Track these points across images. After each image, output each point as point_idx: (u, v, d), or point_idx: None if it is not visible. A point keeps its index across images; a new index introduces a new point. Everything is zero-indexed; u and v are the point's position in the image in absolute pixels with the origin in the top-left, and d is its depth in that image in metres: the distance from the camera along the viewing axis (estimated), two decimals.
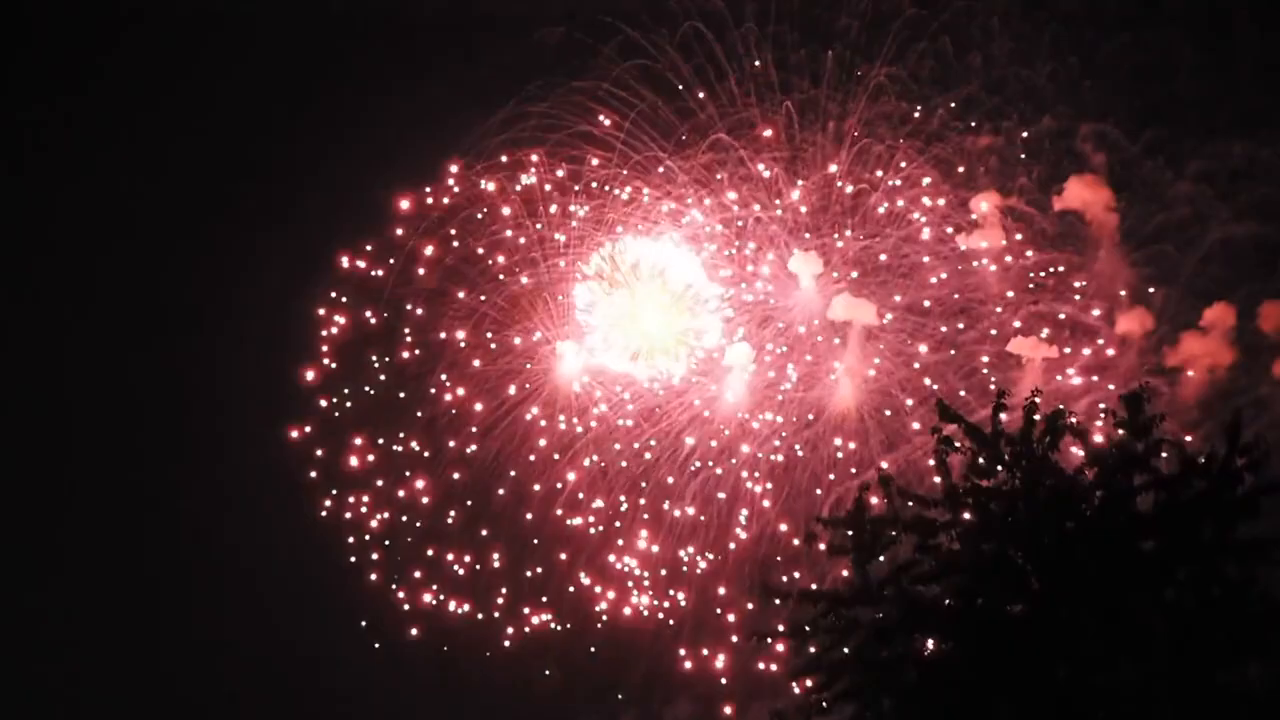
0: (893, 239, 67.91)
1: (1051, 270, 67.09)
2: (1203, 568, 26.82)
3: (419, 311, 70.24)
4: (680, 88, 68.16)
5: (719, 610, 66.76)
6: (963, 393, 63.37)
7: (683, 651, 67.36)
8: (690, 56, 67.57)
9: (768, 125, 68.48)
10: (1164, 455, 28.01)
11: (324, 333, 70.65)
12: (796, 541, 61.53)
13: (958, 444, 28.42)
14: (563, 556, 68.41)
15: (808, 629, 27.86)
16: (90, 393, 74.89)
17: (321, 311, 70.81)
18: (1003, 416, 28.84)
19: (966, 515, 27.77)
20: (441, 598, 69.64)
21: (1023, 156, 68.10)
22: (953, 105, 68.38)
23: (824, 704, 27.47)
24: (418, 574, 69.74)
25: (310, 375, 70.92)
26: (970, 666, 26.58)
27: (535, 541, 69.09)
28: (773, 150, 68.36)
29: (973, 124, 68.47)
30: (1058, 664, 26.47)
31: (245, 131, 75.66)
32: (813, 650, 28.02)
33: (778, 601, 29.75)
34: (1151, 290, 65.89)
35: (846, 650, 27.64)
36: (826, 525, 28.70)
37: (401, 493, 70.32)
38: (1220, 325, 64.24)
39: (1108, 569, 26.68)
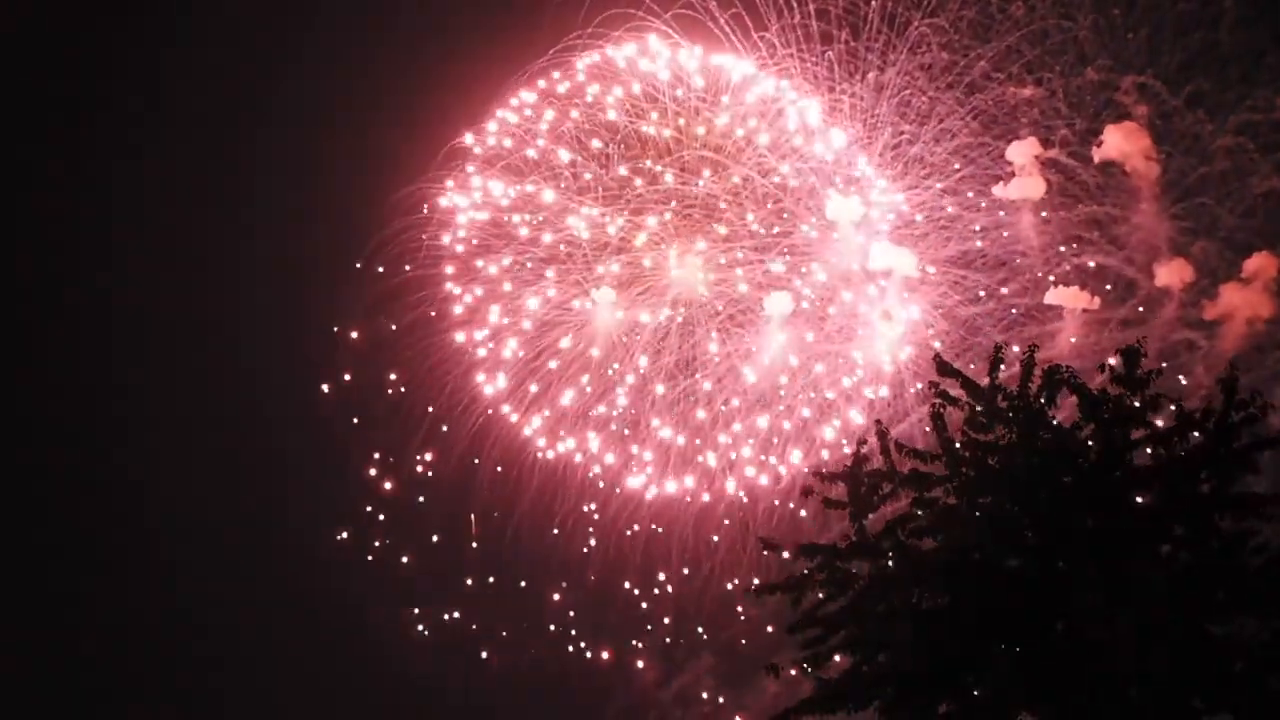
0: (933, 190, 67.64)
1: (1091, 221, 66.73)
2: (1199, 522, 26.91)
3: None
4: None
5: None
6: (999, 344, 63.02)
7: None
8: (728, 6, 67.31)
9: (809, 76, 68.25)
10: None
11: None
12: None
13: (956, 398, 28.61)
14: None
15: (805, 582, 28.06)
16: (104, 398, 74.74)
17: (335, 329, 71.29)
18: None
19: (964, 469, 27.88)
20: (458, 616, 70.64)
21: (1063, 109, 67.60)
22: (994, 56, 67.86)
23: (821, 656, 27.71)
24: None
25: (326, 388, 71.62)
26: (966, 619, 26.72)
27: (556, 530, 69.56)
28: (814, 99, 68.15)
29: (1014, 74, 68.00)
30: (1054, 617, 26.65)
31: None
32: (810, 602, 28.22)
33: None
34: (1191, 242, 65.43)
35: (844, 603, 27.84)
36: (824, 479, 28.88)
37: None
38: (1261, 276, 63.78)
39: (1104, 523, 26.83)
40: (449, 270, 69.04)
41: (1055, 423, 27.97)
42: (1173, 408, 28.03)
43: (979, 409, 28.23)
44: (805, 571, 28.07)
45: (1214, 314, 63.70)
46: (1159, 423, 27.82)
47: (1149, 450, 27.64)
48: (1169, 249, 65.29)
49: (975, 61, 67.84)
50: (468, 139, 69.20)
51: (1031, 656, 26.33)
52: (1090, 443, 27.63)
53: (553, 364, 68.01)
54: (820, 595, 28.00)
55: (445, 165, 69.28)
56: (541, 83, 69.07)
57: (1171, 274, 64.66)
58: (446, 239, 69.11)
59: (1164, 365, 28.49)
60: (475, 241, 68.71)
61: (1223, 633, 26.28)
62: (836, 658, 27.84)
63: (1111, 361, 28.21)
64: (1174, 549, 27.04)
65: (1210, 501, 26.92)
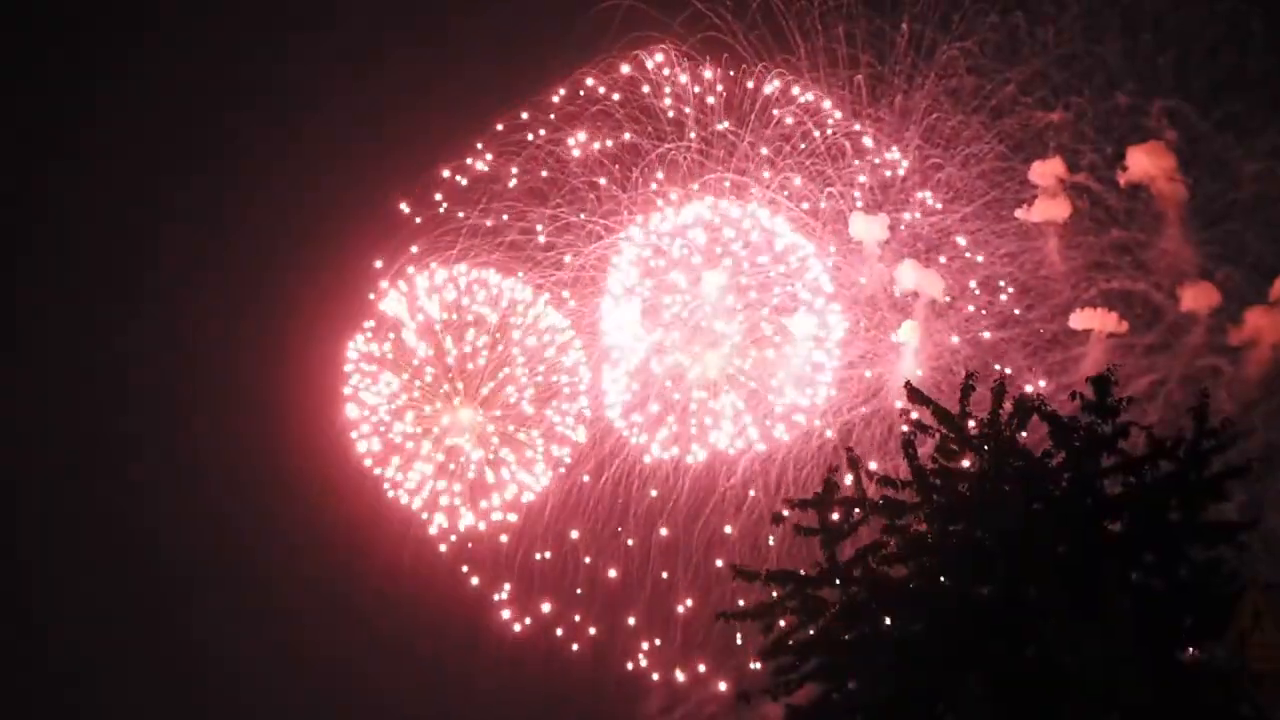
0: (960, 214, 67.50)
1: (1118, 246, 66.37)
2: (1169, 549, 26.94)
3: None
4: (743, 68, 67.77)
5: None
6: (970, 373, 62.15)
7: None
8: (753, 29, 67.26)
9: (836, 100, 68.02)
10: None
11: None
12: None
13: (928, 425, 28.69)
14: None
15: (775, 609, 28.14)
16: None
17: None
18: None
19: (934, 496, 27.94)
20: None
21: (1091, 133, 67.34)
22: (1019, 80, 67.65)
23: (791, 684, 27.76)
24: None
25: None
26: (937, 647, 26.74)
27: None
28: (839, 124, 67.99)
29: (1041, 99, 67.81)
30: (1025, 644, 26.66)
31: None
32: (781, 630, 28.29)
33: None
34: (1218, 268, 64.98)
35: (814, 630, 27.89)
36: (795, 506, 28.99)
37: None
38: None
39: (1075, 550, 26.83)
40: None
41: (1026, 450, 28.05)
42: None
43: (950, 436, 28.32)
44: (775, 598, 28.20)
45: (1239, 339, 63.25)
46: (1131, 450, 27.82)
47: (1120, 477, 27.67)
48: (1195, 273, 64.90)
49: (1002, 86, 67.70)
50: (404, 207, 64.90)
51: (1002, 684, 26.28)
52: (1060, 470, 27.68)
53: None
54: (792, 622, 28.09)
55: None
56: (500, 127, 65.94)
57: (1197, 298, 64.20)
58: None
59: (1131, 399, 28.13)
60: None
61: (1193, 659, 26.31)
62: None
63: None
64: (1144, 576, 27.03)
65: (1180, 529, 26.97)
